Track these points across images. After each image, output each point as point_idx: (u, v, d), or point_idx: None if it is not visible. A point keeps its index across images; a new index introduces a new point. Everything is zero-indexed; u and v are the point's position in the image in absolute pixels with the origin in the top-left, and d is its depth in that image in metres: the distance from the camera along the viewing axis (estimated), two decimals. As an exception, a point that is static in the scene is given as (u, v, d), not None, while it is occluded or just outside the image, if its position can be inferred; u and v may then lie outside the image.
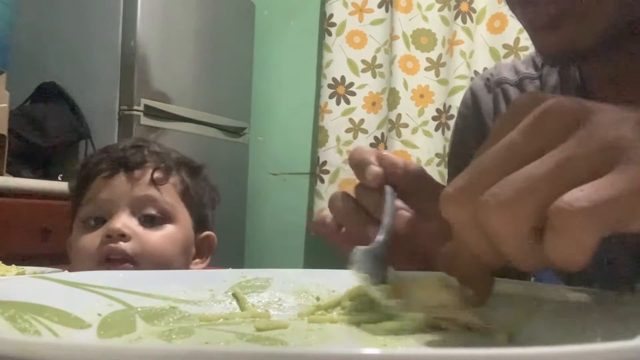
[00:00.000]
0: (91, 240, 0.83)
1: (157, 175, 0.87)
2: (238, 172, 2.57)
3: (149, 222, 0.85)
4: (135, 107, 2.01)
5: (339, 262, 0.48)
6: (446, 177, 0.90)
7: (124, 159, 0.87)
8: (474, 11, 2.37)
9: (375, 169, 0.51)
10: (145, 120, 2.04)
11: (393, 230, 0.47)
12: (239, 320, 0.40)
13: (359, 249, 0.43)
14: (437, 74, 2.44)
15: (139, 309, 0.38)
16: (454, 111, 2.35)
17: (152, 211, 0.85)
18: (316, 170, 2.55)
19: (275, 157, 2.72)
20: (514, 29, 2.29)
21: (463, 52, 2.35)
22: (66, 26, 2.08)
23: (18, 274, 0.64)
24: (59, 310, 0.34)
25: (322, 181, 2.52)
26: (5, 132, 1.76)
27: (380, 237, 0.46)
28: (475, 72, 2.33)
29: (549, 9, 0.49)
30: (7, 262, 0.74)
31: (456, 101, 2.35)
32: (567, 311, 0.36)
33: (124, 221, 0.83)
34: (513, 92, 0.71)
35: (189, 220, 0.90)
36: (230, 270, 0.46)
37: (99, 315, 0.36)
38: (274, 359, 0.17)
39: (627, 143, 0.30)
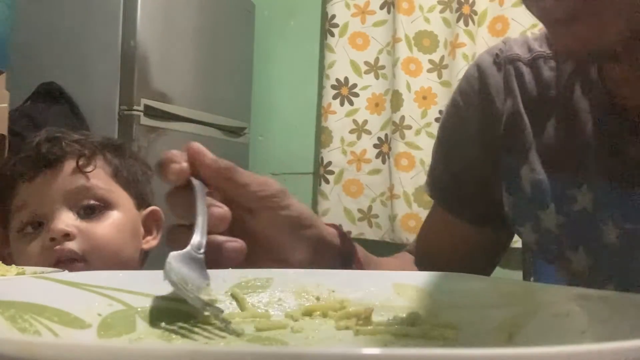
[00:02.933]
0: (35, 248, 0.79)
1: (82, 162, 0.82)
2: (238, 172, 2.57)
3: (89, 213, 0.81)
4: (135, 107, 2.01)
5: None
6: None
7: (42, 156, 0.82)
8: (476, 14, 2.37)
9: (176, 165, 0.49)
10: (145, 120, 2.03)
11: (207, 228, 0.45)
12: (239, 320, 0.40)
13: (172, 255, 0.42)
14: (440, 76, 2.44)
15: (139, 309, 0.38)
16: (457, 114, 2.35)
17: (90, 201, 0.81)
18: (320, 171, 2.55)
19: (276, 157, 2.72)
20: (516, 33, 2.29)
21: (465, 55, 2.35)
22: (66, 26, 2.08)
23: (18, 274, 0.63)
24: (59, 310, 0.34)
25: (327, 182, 2.52)
26: (5, 132, 1.75)
27: (195, 239, 0.44)
28: (477, 75, 2.33)
29: (568, 2, 0.46)
30: (7, 262, 0.74)
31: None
32: (567, 311, 0.36)
33: (65, 219, 0.78)
34: (526, 71, 0.66)
35: (129, 200, 0.86)
36: (230, 270, 0.46)
37: (99, 315, 0.36)
38: (274, 359, 0.17)
39: None
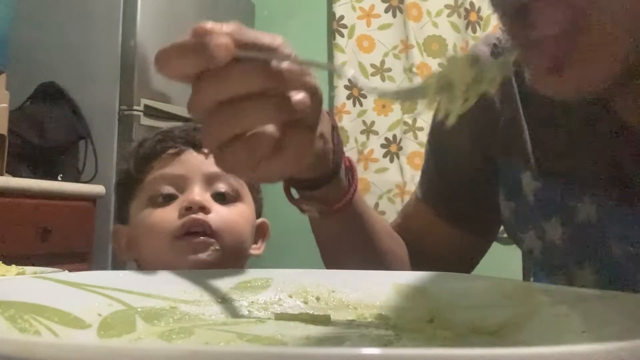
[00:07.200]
0: (165, 214, 0.79)
1: None
2: (238, 172, 2.57)
3: (220, 199, 0.82)
4: (135, 107, 2.01)
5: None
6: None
7: (190, 137, 0.85)
8: (481, 19, 2.41)
9: (222, 39, 0.40)
10: (145, 120, 2.03)
11: None
12: (239, 321, 0.40)
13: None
14: (448, 79, 2.50)
15: (139, 309, 0.39)
16: (466, 118, 2.42)
17: (224, 188, 0.82)
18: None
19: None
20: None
21: (474, 61, 2.40)
22: (66, 26, 2.08)
23: (18, 274, 0.64)
24: (59, 310, 0.34)
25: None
26: (5, 132, 1.75)
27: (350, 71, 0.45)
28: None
29: (555, 51, 0.42)
30: (7, 262, 0.74)
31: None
32: (567, 311, 0.36)
33: (202, 194, 0.81)
34: None
35: (252, 203, 0.91)
36: (230, 270, 0.46)
37: (99, 315, 0.36)
38: (274, 359, 0.17)
39: None
